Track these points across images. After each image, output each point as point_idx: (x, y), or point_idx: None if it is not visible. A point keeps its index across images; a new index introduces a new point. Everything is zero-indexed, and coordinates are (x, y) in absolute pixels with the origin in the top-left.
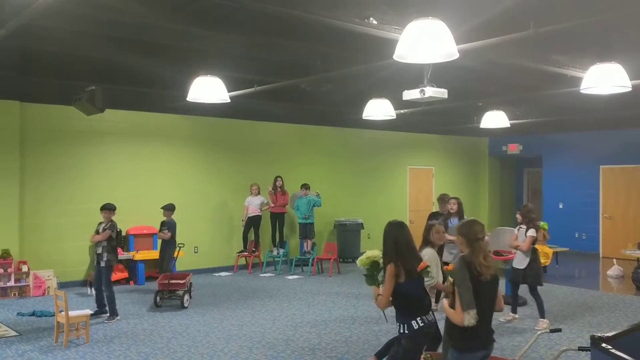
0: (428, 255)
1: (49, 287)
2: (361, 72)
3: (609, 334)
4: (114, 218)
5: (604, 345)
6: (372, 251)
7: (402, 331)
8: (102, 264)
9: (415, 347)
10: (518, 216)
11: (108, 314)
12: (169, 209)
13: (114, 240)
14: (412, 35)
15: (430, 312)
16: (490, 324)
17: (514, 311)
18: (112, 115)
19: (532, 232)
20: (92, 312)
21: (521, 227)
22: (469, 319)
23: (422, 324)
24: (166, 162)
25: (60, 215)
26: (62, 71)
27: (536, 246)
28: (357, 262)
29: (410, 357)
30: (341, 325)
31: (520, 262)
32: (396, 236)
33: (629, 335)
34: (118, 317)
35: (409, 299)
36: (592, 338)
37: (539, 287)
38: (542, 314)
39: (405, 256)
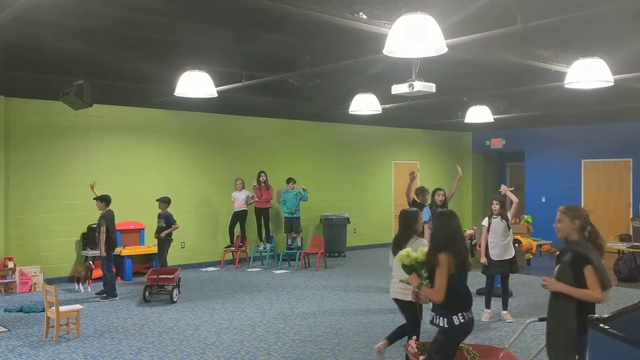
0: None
1: (35, 283)
2: (350, 67)
3: (605, 315)
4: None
5: (601, 325)
6: (410, 251)
7: (440, 324)
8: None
9: (451, 343)
10: (496, 206)
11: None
12: (165, 201)
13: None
14: (401, 30)
15: (471, 310)
16: None
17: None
18: (97, 110)
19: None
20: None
21: (495, 217)
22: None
23: (463, 321)
24: (152, 158)
25: (45, 211)
26: (47, 66)
27: (520, 239)
28: (397, 257)
29: (444, 353)
30: (331, 318)
31: (504, 252)
32: (450, 226)
33: (624, 316)
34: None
35: (455, 292)
36: (590, 319)
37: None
38: (505, 306)
39: (460, 246)
